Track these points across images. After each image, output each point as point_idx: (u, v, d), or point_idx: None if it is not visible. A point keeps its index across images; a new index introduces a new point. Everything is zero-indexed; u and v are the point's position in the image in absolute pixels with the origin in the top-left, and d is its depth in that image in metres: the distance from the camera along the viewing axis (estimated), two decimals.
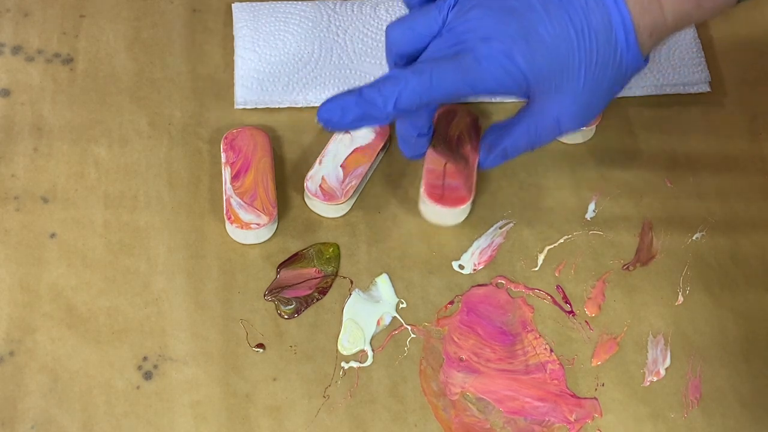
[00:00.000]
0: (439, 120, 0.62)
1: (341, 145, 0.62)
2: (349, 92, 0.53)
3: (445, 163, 0.61)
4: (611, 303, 0.60)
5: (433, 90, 0.53)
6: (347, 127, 0.53)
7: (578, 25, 0.52)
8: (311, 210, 0.61)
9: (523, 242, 0.62)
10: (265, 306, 0.58)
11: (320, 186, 0.60)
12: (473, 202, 0.62)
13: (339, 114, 0.53)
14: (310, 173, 0.61)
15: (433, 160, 0.61)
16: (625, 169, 0.65)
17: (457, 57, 0.53)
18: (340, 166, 0.61)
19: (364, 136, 0.62)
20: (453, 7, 0.54)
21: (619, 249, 0.62)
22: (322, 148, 0.62)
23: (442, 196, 0.60)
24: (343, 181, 0.61)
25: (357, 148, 0.62)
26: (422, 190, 0.60)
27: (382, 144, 0.62)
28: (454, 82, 0.53)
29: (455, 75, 0.53)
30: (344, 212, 0.61)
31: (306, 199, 0.61)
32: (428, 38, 0.55)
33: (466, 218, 0.62)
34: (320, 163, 0.61)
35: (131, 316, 0.57)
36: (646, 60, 0.55)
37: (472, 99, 0.59)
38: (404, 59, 0.56)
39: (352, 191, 0.60)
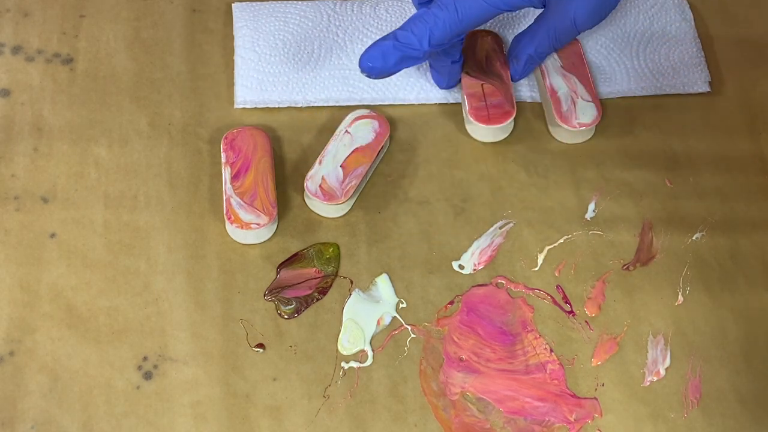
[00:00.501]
0: (465, 46, 0.65)
1: (341, 145, 0.62)
2: (385, 38, 0.58)
3: (482, 84, 0.64)
4: (611, 303, 0.60)
5: (462, 20, 0.57)
6: (390, 70, 0.58)
7: None
8: (311, 210, 0.61)
9: (523, 242, 0.62)
10: (265, 306, 0.58)
11: (320, 186, 0.60)
12: (473, 202, 0.62)
13: (381, 60, 0.57)
14: (310, 173, 0.61)
15: (470, 85, 0.64)
16: (625, 169, 0.65)
17: None
18: (340, 166, 0.61)
19: (364, 136, 0.62)
20: None
21: (619, 249, 0.62)
22: (322, 148, 0.62)
23: (488, 117, 0.63)
24: (343, 181, 0.61)
25: (357, 148, 0.62)
26: (468, 115, 0.63)
27: (381, 144, 0.62)
28: (478, 5, 0.57)
29: (478, 0, 0.57)
30: (344, 212, 0.61)
31: (306, 199, 0.61)
32: None
33: (466, 218, 0.62)
34: (320, 163, 0.61)
35: (131, 316, 0.57)
36: None
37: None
38: None
39: (352, 191, 0.60)
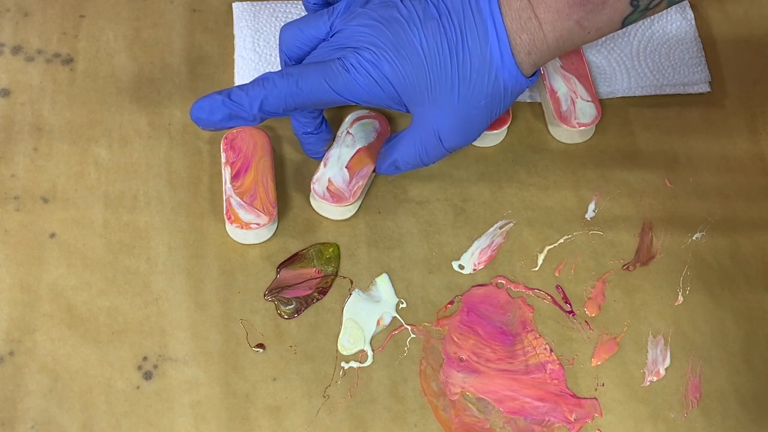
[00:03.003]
0: None
1: (344, 147, 0.62)
2: (219, 92, 0.55)
3: None
4: (611, 303, 0.60)
5: (300, 94, 0.55)
6: (217, 125, 0.56)
7: (453, 39, 0.54)
8: (318, 213, 0.61)
9: (523, 242, 0.62)
10: (265, 306, 0.58)
11: (327, 188, 0.60)
12: (473, 202, 0.62)
13: (207, 113, 0.55)
14: (315, 176, 0.61)
15: None
16: (625, 169, 0.65)
17: (327, 63, 0.55)
18: (345, 167, 0.61)
19: (366, 136, 0.62)
20: (342, 14, 0.56)
21: (619, 249, 0.62)
22: None
23: None
24: (350, 182, 0.61)
25: (360, 149, 0.62)
26: None
27: (381, 141, 0.62)
28: (321, 87, 0.55)
29: (321, 81, 0.54)
30: (352, 213, 0.61)
31: (312, 202, 0.61)
32: (316, 41, 0.57)
33: (466, 218, 0.62)
34: (325, 165, 0.61)
35: (131, 316, 0.57)
36: (532, 78, 0.56)
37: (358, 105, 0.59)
38: (293, 60, 0.58)
39: (359, 191, 0.60)
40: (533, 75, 0.56)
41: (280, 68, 0.59)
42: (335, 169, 0.61)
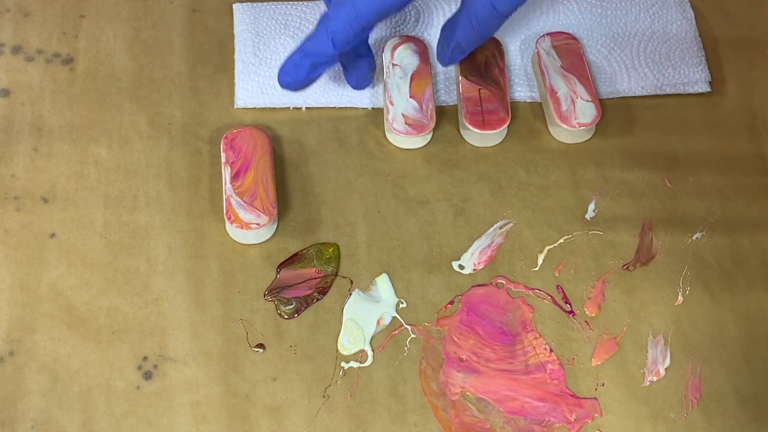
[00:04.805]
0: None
1: (398, 79, 0.64)
2: (294, 52, 0.58)
3: (479, 89, 0.64)
4: (611, 303, 0.60)
5: (361, 15, 0.56)
6: (307, 78, 0.58)
7: None
8: (395, 146, 0.64)
9: (523, 242, 0.62)
10: (265, 306, 0.58)
11: (406, 123, 0.62)
12: (473, 202, 0.62)
13: (293, 74, 0.58)
14: (389, 116, 0.63)
15: (467, 89, 0.64)
16: (625, 169, 0.65)
17: None
18: (410, 97, 0.63)
19: (411, 61, 0.64)
20: None
21: (619, 249, 0.62)
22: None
23: (483, 122, 0.63)
24: (421, 109, 0.62)
25: (413, 75, 0.64)
26: (464, 119, 0.63)
27: (430, 60, 0.65)
28: (375, 1, 0.56)
29: None
30: (429, 139, 0.64)
31: (393, 139, 0.64)
32: None
33: (466, 218, 0.62)
34: (392, 103, 0.63)
35: (131, 316, 0.57)
36: None
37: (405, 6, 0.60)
38: None
39: (434, 113, 0.63)
40: None
41: (280, 68, 0.59)
42: (402, 102, 0.63)
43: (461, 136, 0.65)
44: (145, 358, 0.56)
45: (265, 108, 0.65)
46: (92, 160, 0.62)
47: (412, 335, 0.58)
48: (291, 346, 0.57)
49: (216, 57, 0.67)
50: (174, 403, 0.55)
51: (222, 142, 0.62)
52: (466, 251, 0.61)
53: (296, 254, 0.60)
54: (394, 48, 0.65)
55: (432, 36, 0.68)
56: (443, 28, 0.63)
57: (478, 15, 0.58)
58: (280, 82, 0.59)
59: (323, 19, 0.57)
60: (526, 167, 0.64)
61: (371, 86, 0.65)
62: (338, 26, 0.56)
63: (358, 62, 0.62)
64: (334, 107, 0.66)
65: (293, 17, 0.68)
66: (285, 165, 0.63)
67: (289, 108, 0.65)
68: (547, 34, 0.67)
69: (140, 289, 0.58)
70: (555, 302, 0.60)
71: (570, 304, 0.60)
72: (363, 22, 0.56)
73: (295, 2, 0.69)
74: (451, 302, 0.59)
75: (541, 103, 0.67)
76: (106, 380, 0.55)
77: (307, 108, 0.65)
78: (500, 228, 0.62)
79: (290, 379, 0.56)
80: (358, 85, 0.64)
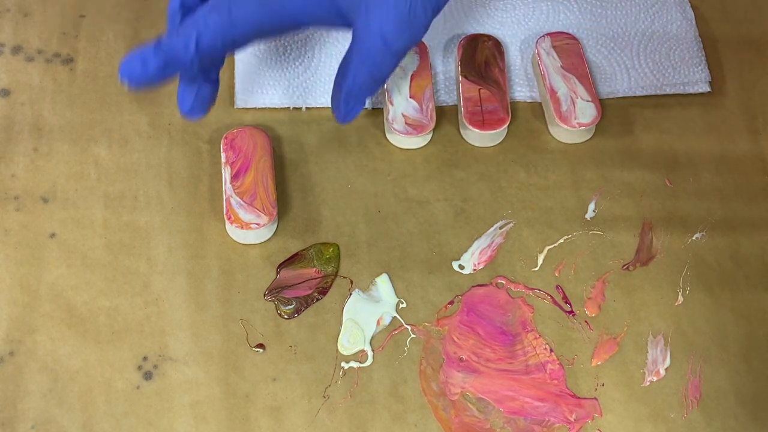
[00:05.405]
0: (465, 49, 0.66)
1: (398, 79, 0.64)
2: (148, 43, 0.50)
3: (479, 89, 0.64)
4: (611, 303, 0.60)
5: (235, 24, 0.50)
6: (152, 79, 0.51)
7: None
8: (396, 146, 0.63)
9: (523, 242, 0.62)
10: (265, 306, 0.58)
11: (406, 123, 0.62)
12: (473, 202, 0.62)
13: (140, 66, 0.50)
14: (389, 116, 0.62)
15: (467, 89, 0.64)
16: (625, 169, 0.65)
17: None
18: (410, 97, 0.63)
19: (412, 61, 0.64)
20: None
21: (619, 249, 0.62)
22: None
23: (482, 122, 0.63)
24: (421, 110, 0.62)
25: (413, 74, 0.64)
26: (463, 119, 0.63)
27: (429, 61, 0.65)
28: (257, 12, 0.51)
29: (256, 6, 0.51)
30: (429, 139, 0.64)
31: (393, 140, 0.63)
32: None
33: (466, 218, 0.62)
34: (392, 104, 0.63)
35: (131, 316, 0.57)
36: None
37: (289, 32, 0.55)
38: None
39: (434, 113, 0.63)
40: None
41: (125, 57, 0.52)
42: (402, 102, 0.63)
43: (461, 136, 0.65)
44: (145, 358, 0.56)
45: (265, 108, 0.65)
46: (92, 160, 0.62)
47: (412, 335, 0.58)
48: (291, 346, 0.57)
49: None
50: (174, 403, 0.55)
51: (222, 142, 0.62)
52: (466, 251, 0.61)
53: (296, 254, 0.60)
54: None
55: (432, 37, 0.68)
56: (337, 75, 0.56)
57: (370, 51, 0.53)
58: (121, 75, 0.51)
59: (190, 18, 0.51)
60: (526, 167, 0.64)
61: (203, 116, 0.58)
62: (208, 28, 0.50)
63: (204, 86, 0.55)
64: None
65: None
66: (285, 165, 0.63)
67: (289, 108, 0.65)
68: (547, 34, 0.67)
69: (140, 290, 0.58)
70: (555, 302, 0.60)
71: (570, 304, 0.60)
72: (236, 33, 0.51)
73: None
74: (451, 302, 0.59)
75: (541, 103, 0.67)
76: (106, 380, 0.55)
77: (307, 108, 0.65)
78: (500, 228, 0.62)
79: (290, 379, 0.56)
80: (192, 110, 0.56)
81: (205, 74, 0.55)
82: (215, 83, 0.56)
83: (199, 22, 0.50)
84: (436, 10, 0.53)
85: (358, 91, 0.55)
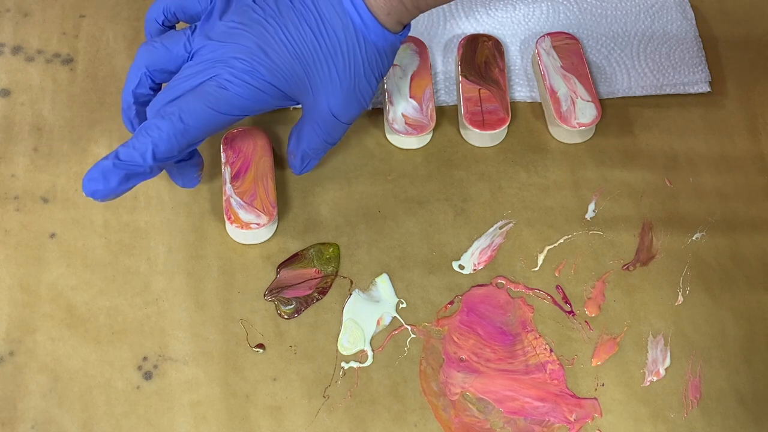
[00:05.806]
0: (465, 49, 0.66)
1: (398, 80, 0.64)
2: (106, 157, 0.52)
3: (479, 89, 0.64)
4: (611, 303, 0.60)
5: (188, 129, 0.52)
6: (116, 191, 0.52)
7: (312, 20, 0.53)
8: (396, 146, 0.64)
9: (523, 242, 0.62)
10: (265, 306, 0.58)
11: (406, 123, 0.62)
12: (473, 202, 0.62)
13: (102, 182, 0.51)
14: (389, 116, 0.63)
15: (467, 89, 0.64)
16: (625, 169, 0.65)
17: (202, 87, 0.53)
18: (410, 97, 0.63)
19: (411, 61, 0.65)
20: (199, 31, 0.54)
21: (619, 249, 0.62)
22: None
23: (483, 122, 0.63)
24: (421, 109, 0.63)
25: (413, 75, 0.64)
26: (463, 119, 0.63)
27: (429, 60, 0.65)
28: (206, 114, 0.52)
29: (204, 107, 0.52)
30: (429, 140, 0.64)
31: (393, 140, 0.64)
32: (182, 61, 0.55)
33: (466, 218, 0.62)
34: (392, 103, 0.63)
35: (131, 316, 0.57)
36: (403, 32, 0.56)
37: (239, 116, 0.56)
38: (158, 81, 0.56)
39: (434, 113, 0.63)
40: (404, 29, 0.56)
41: (87, 173, 0.52)
42: (402, 102, 0.63)
43: (461, 136, 0.65)
44: (145, 358, 0.56)
45: None
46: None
47: (412, 335, 0.58)
48: (291, 346, 0.57)
49: None
50: (174, 403, 0.55)
51: (222, 142, 0.62)
52: (466, 251, 0.61)
53: (296, 254, 0.60)
54: None
55: (432, 37, 0.68)
56: (290, 136, 0.60)
57: (321, 123, 0.57)
58: (84, 190, 0.52)
59: (146, 128, 0.52)
60: (526, 167, 0.64)
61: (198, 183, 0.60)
62: (162, 138, 0.51)
63: (183, 167, 0.58)
64: None
65: None
66: (285, 165, 0.63)
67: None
68: (547, 34, 0.67)
69: (140, 289, 0.58)
70: (555, 302, 0.60)
71: (570, 304, 0.60)
72: (190, 138, 0.52)
73: None
74: (451, 302, 0.59)
75: (541, 103, 0.67)
76: (106, 380, 0.55)
77: None
78: (500, 228, 0.62)
79: (290, 379, 0.56)
80: (185, 185, 0.60)
81: (184, 157, 0.57)
82: (196, 157, 0.59)
83: (152, 132, 0.52)
84: (380, 78, 0.57)
85: (313, 153, 0.59)
